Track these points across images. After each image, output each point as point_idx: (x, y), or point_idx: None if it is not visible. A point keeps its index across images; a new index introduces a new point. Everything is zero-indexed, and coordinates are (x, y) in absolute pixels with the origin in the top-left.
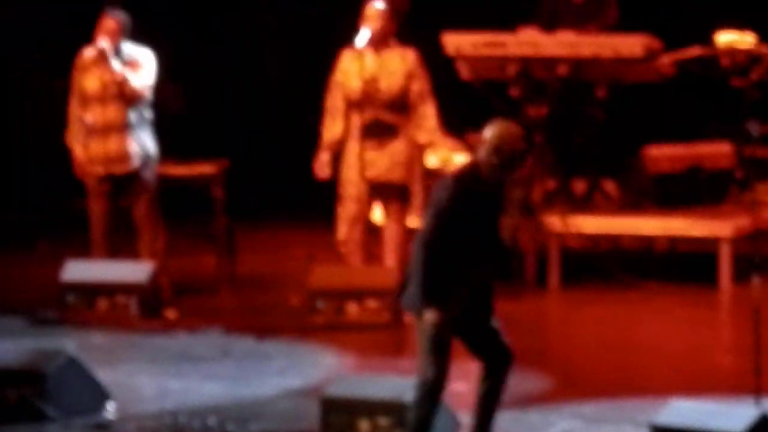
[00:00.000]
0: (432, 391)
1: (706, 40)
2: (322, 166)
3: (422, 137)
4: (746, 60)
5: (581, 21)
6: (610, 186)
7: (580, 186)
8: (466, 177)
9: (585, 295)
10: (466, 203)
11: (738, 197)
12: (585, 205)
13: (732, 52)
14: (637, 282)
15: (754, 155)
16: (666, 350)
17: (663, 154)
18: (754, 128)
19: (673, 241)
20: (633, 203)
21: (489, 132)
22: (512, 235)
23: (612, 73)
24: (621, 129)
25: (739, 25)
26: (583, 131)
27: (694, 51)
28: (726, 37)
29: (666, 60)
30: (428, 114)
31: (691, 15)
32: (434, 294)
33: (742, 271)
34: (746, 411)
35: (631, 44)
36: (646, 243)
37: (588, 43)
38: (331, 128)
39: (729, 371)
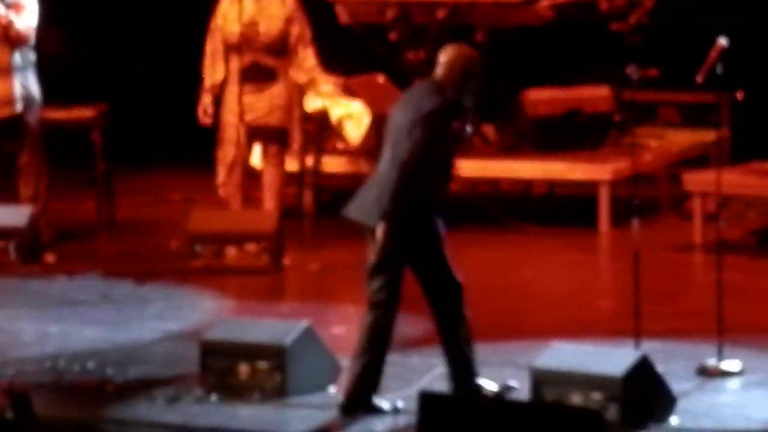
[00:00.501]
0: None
1: None
2: (205, 110)
3: (302, 77)
4: (625, 4)
5: None
6: (489, 130)
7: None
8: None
9: (465, 238)
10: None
11: (617, 141)
12: (464, 148)
13: None
14: (516, 225)
15: (633, 99)
16: (546, 293)
17: (542, 98)
18: (633, 72)
19: (553, 185)
20: (512, 147)
21: (447, 55)
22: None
23: (491, 17)
24: (500, 73)
25: None
26: None
27: None
28: None
29: (545, 3)
30: (307, 55)
31: None
32: (398, 212)
33: (621, 215)
34: (626, 353)
35: None
36: (526, 186)
37: None
38: (212, 72)
39: (609, 314)
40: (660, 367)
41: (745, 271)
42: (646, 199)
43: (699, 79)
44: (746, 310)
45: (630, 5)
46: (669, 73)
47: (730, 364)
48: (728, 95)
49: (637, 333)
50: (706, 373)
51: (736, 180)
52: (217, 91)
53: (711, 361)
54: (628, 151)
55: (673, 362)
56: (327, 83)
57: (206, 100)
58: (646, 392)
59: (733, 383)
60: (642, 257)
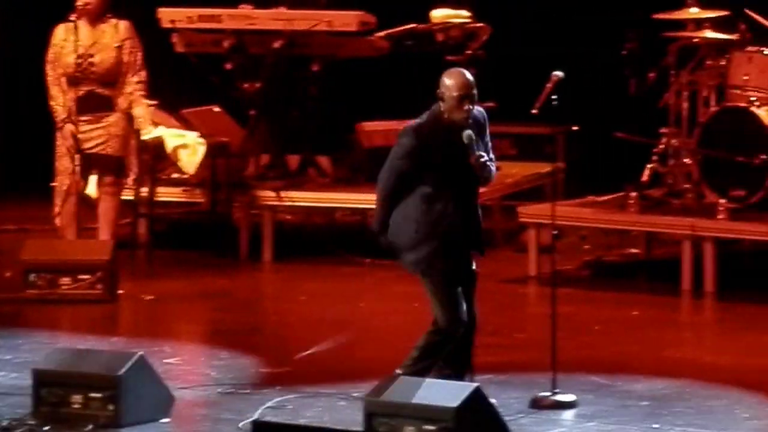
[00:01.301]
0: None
1: (423, 16)
2: (67, 137)
3: (122, 102)
4: (461, 35)
5: (295, 4)
6: (324, 161)
7: (294, 161)
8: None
9: (299, 269)
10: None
11: None
12: (299, 180)
13: (447, 27)
14: (351, 257)
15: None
16: (382, 325)
17: (377, 130)
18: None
19: None
20: (347, 178)
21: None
22: (482, 170)
23: (327, 48)
24: (336, 104)
25: (454, 1)
26: (298, 106)
27: (409, 26)
28: (440, 13)
29: (380, 34)
30: (129, 81)
31: None
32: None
33: None
34: (460, 385)
35: (346, 19)
36: (361, 217)
37: (302, 17)
38: (64, 101)
39: None
40: (494, 399)
41: (579, 303)
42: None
43: (534, 111)
44: (580, 342)
45: (466, 37)
46: (504, 105)
47: (564, 396)
48: (564, 128)
49: (471, 365)
50: (540, 405)
51: (570, 212)
52: (71, 115)
53: (544, 393)
54: None
55: (507, 394)
56: (140, 107)
57: (70, 128)
58: (480, 424)
59: (566, 415)
60: (478, 289)
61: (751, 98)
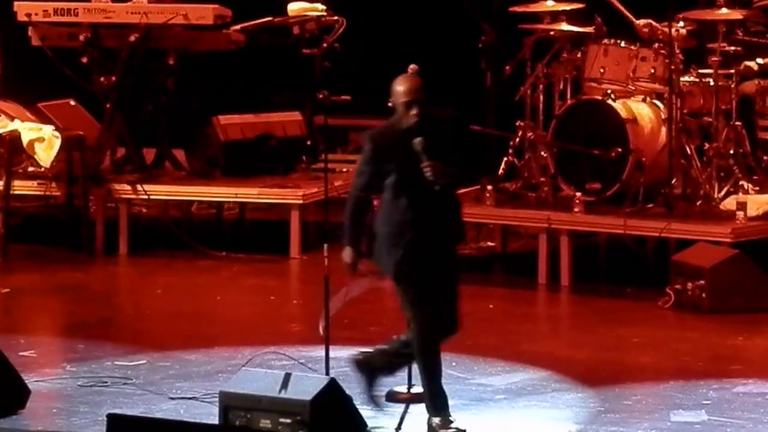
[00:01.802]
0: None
1: (279, 9)
2: None
3: None
4: (317, 29)
5: None
6: (180, 155)
7: (150, 154)
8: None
9: (155, 263)
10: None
11: (308, 166)
12: (155, 173)
13: (303, 20)
14: (207, 250)
15: (324, 124)
16: (236, 319)
17: (233, 123)
18: (325, 97)
19: (244, 209)
20: (203, 171)
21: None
22: (433, 175)
23: (182, 41)
24: (192, 97)
25: None
26: (154, 99)
27: (265, 19)
28: (296, 6)
29: (235, 28)
30: None
31: None
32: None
33: (312, 239)
34: (315, 378)
35: (202, 12)
36: (217, 211)
37: (158, 11)
38: None
39: (299, 339)
40: (350, 392)
41: None
42: (338, 224)
43: (390, 104)
44: None
45: (321, 30)
46: (360, 98)
47: (420, 390)
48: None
49: (326, 358)
50: (396, 398)
51: None
52: None
53: (400, 387)
54: (320, 175)
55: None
56: None
57: None
58: (335, 416)
59: (422, 409)
60: (332, 282)
61: (607, 91)
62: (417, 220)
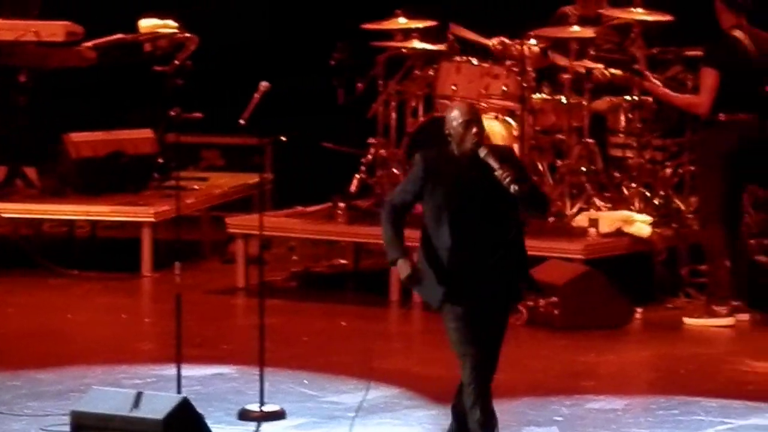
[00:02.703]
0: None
1: (131, 26)
2: None
3: None
4: (168, 46)
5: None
6: (31, 172)
7: (1, 172)
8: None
9: (6, 281)
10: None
11: (160, 183)
12: (6, 191)
13: (154, 37)
14: (58, 268)
15: (176, 141)
16: (88, 337)
17: (85, 140)
18: (176, 115)
19: (96, 227)
20: (55, 189)
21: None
22: (511, 179)
23: (34, 58)
24: (44, 114)
25: (162, 11)
26: (5, 116)
27: (117, 36)
28: (148, 23)
29: (87, 44)
30: None
31: (116, 2)
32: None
33: (164, 257)
34: (167, 397)
35: (53, 29)
36: (69, 229)
37: (9, 28)
38: None
39: (150, 357)
40: (202, 410)
41: (287, 314)
42: (189, 242)
43: (242, 122)
44: (288, 353)
45: (173, 48)
46: (212, 116)
47: (272, 408)
48: (271, 138)
49: (179, 376)
50: (248, 417)
51: (279, 223)
52: None
53: (252, 405)
54: (171, 193)
55: (215, 406)
56: None
57: None
58: None
59: (275, 427)
60: (184, 300)
61: None
62: (460, 247)
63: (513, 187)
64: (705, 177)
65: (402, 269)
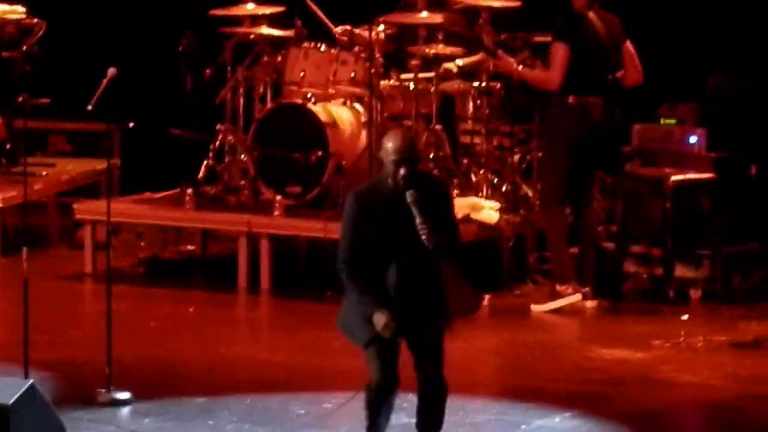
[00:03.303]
0: (385, 393)
1: None
2: None
3: None
4: (16, 32)
5: None
6: None
7: None
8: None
9: None
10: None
11: (8, 169)
12: None
13: (2, 23)
14: None
15: (24, 127)
16: None
17: None
18: (24, 100)
19: None
20: None
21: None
22: (428, 235)
23: None
24: None
25: None
26: None
27: None
28: None
29: None
30: None
31: None
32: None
33: (11, 243)
34: (14, 382)
35: None
36: None
37: None
38: None
39: None
40: (49, 396)
41: (135, 300)
42: (37, 227)
43: (90, 107)
44: (136, 339)
45: (21, 32)
46: (60, 101)
47: (119, 394)
48: (119, 124)
49: (26, 362)
50: (96, 402)
51: (127, 209)
52: None
53: (100, 391)
54: (19, 179)
55: (63, 392)
56: None
57: None
58: (34, 421)
59: (122, 412)
60: (32, 286)
61: (307, 94)
62: (401, 287)
63: (427, 241)
64: (550, 159)
65: (378, 320)
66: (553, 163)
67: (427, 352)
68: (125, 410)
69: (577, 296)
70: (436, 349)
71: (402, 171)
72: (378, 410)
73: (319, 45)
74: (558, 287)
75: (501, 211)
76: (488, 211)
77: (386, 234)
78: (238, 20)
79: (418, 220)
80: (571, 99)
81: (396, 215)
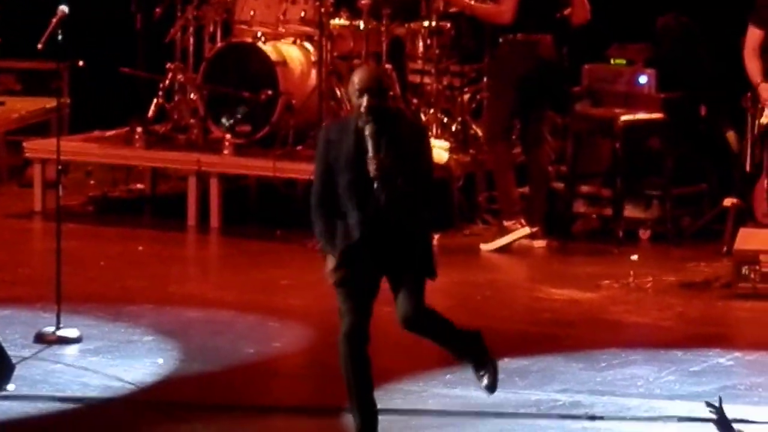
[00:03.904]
0: (349, 342)
1: None
2: None
3: None
4: None
5: None
6: None
7: None
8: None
9: None
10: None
11: None
12: None
13: None
14: None
15: None
16: None
17: None
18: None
19: None
20: None
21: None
22: (375, 170)
23: None
24: None
25: None
26: None
27: None
28: None
29: None
30: None
31: None
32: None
33: None
34: None
35: None
36: None
37: None
38: None
39: None
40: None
41: (84, 238)
42: None
43: (40, 46)
44: (85, 277)
45: None
46: (8, 40)
47: (68, 332)
48: (69, 63)
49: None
50: (44, 340)
51: (76, 147)
52: None
53: (49, 329)
54: None
55: (11, 329)
56: None
57: None
58: None
59: (71, 350)
60: None
61: (257, 33)
62: (362, 226)
63: (373, 173)
64: (496, 95)
65: (329, 263)
66: (500, 100)
67: (403, 296)
68: (74, 348)
69: (525, 230)
70: (413, 293)
71: (364, 101)
72: (351, 365)
73: None
74: (505, 223)
75: (451, 150)
76: (438, 150)
77: (350, 170)
78: None
79: (369, 154)
80: (519, 36)
81: (359, 151)
